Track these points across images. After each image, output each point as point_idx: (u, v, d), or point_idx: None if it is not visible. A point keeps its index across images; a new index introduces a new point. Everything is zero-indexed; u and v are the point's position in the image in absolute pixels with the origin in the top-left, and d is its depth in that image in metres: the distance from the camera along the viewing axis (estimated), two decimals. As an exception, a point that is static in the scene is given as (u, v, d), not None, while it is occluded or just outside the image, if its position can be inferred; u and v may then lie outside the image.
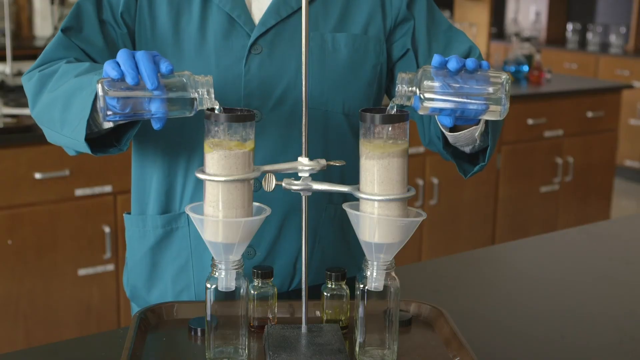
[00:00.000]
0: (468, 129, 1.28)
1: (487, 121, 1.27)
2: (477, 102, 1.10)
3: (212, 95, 1.11)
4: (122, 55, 1.10)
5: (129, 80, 1.07)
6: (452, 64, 1.10)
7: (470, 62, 1.11)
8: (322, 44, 1.40)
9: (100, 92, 1.07)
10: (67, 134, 1.27)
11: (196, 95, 1.10)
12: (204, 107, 1.11)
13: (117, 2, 1.39)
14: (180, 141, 1.41)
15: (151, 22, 1.39)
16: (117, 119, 1.09)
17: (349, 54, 1.41)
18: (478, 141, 1.32)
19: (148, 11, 1.39)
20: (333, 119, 1.43)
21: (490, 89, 1.10)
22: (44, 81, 1.33)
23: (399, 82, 1.11)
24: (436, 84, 1.10)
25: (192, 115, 1.12)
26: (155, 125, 1.12)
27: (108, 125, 1.23)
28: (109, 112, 1.07)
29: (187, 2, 1.39)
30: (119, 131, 1.30)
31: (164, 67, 1.09)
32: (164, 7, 1.39)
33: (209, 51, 1.37)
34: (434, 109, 1.12)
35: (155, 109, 1.09)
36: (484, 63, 1.15)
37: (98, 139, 1.30)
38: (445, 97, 1.10)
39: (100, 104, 1.07)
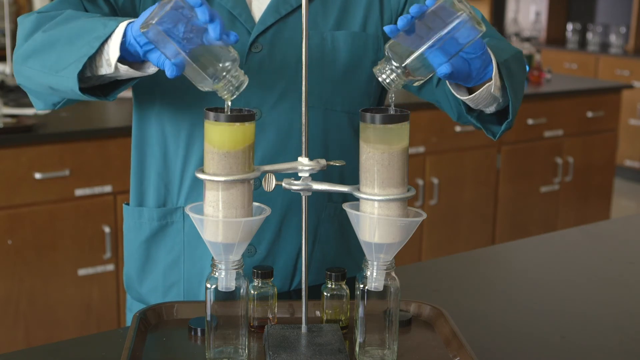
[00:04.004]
0: (483, 87, 1.25)
1: (501, 75, 1.25)
2: (451, 27, 1.08)
3: (235, 93, 1.09)
4: None
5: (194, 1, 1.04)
6: (413, 9, 1.08)
7: (428, 2, 1.09)
8: (321, 43, 1.40)
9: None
10: (55, 71, 1.22)
11: (224, 77, 1.08)
12: (220, 94, 1.10)
13: None
14: (179, 135, 1.42)
15: None
16: (152, 33, 1.04)
17: (348, 52, 1.41)
18: (500, 99, 1.29)
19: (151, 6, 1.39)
20: (333, 117, 1.43)
21: (457, 12, 1.07)
22: (41, 22, 1.29)
23: (378, 75, 1.11)
24: (406, 46, 1.09)
25: (203, 90, 1.10)
26: (171, 73, 1.07)
27: (108, 70, 1.19)
28: (152, 22, 1.04)
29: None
30: (107, 88, 1.27)
31: (233, 35, 1.08)
32: None
33: None
34: (426, 68, 1.10)
35: (185, 51, 1.06)
36: None
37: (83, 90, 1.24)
38: (421, 49, 1.08)
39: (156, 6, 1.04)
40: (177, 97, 1.41)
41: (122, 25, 1.17)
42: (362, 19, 1.43)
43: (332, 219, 1.47)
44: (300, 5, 1.37)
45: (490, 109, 1.34)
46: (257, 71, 1.38)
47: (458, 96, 1.29)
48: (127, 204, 1.52)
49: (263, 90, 1.38)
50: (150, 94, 1.42)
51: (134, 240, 1.50)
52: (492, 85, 1.24)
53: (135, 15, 1.38)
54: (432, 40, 1.08)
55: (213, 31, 1.06)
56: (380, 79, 1.11)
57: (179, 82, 1.38)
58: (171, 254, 1.47)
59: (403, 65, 1.09)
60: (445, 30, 1.08)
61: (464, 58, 1.18)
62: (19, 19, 1.34)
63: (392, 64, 1.10)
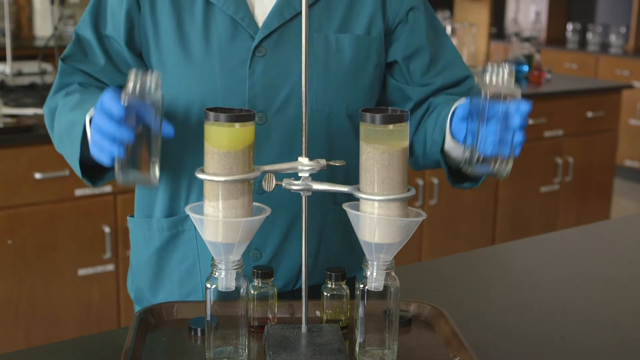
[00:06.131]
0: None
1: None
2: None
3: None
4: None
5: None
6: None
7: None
8: (326, 45, 1.39)
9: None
10: (70, 162, 1.39)
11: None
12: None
13: (119, 9, 1.40)
14: (185, 144, 1.42)
15: (154, 28, 1.40)
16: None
17: (352, 55, 1.41)
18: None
19: (150, 16, 1.39)
20: (337, 121, 1.42)
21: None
22: (51, 117, 1.43)
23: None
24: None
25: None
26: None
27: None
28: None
29: (189, 6, 1.38)
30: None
31: (168, 130, 1.18)
32: (166, 11, 1.39)
33: (213, 54, 1.37)
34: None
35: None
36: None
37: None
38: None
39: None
40: (183, 112, 1.41)
41: (86, 120, 1.29)
42: (367, 22, 1.42)
43: (337, 222, 1.47)
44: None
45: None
46: (261, 75, 1.37)
47: (448, 138, 1.32)
48: (132, 216, 1.52)
49: (268, 95, 1.37)
50: None
51: (143, 252, 1.49)
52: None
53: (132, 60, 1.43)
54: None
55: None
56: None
57: (185, 98, 1.39)
58: (185, 263, 1.46)
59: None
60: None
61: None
62: (43, 109, 1.46)
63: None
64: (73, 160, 1.35)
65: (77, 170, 1.37)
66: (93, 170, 1.40)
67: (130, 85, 1.11)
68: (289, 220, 1.42)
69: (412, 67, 1.46)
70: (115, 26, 1.41)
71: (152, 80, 1.11)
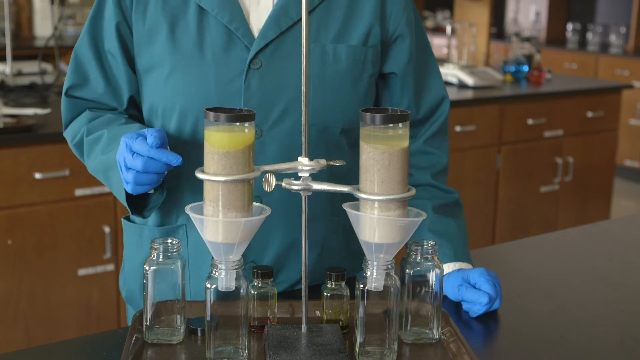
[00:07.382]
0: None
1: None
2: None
3: None
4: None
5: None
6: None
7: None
8: (323, 55, 1.37)
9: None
10: (114, 192, 1.41)
11: None
12: None
13: (110, 23, 1.39)
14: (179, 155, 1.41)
15: (147, 37, 1.38)
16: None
17: (349, 66, 1.39)
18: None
19: (142, 24, 1.38)
20: (332, 135, 1.41)
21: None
22: (80, 150, 1.46)
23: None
24: None
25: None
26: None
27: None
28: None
29: (182, 12, 1.36)
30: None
31: (175, 159, 1.25)
32: (158, 18, 1.37)
33: (208, 64, 1.35)
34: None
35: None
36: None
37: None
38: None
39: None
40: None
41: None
42: (365, 32, 1.40)
43: (337, 232, 1.46)
44: (301, 18, 1.35)
45: None
46: (257, 89, 1.35)
47: None
48: (126, 217, 1.51)
49: (263, 108, 1.35)
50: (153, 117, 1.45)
51: (135, 258, 1.48)
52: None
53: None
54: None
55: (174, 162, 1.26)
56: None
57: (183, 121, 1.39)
58: None
59: None
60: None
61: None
62: (65, 135, 1.50)
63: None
64: (119, 193, 1.38)
65: (127, 206, 1.39)
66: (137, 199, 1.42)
67: (154, 253, 1.21)
68: (287, 234, 1.41)
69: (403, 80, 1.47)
70: (111, 41, 1.40)
71: (172, 245, 1.21)
